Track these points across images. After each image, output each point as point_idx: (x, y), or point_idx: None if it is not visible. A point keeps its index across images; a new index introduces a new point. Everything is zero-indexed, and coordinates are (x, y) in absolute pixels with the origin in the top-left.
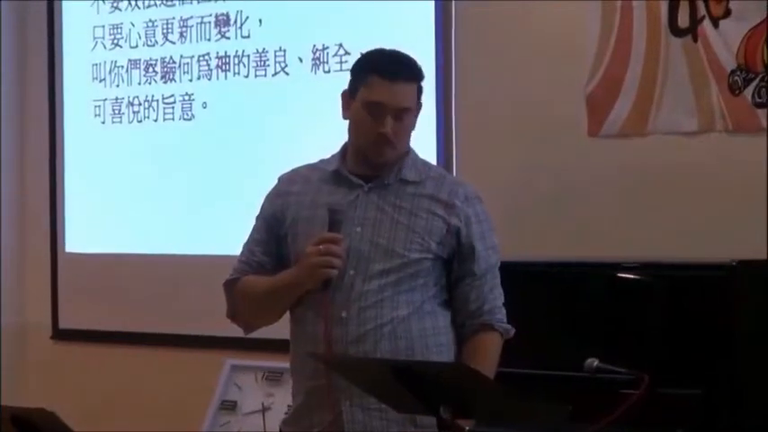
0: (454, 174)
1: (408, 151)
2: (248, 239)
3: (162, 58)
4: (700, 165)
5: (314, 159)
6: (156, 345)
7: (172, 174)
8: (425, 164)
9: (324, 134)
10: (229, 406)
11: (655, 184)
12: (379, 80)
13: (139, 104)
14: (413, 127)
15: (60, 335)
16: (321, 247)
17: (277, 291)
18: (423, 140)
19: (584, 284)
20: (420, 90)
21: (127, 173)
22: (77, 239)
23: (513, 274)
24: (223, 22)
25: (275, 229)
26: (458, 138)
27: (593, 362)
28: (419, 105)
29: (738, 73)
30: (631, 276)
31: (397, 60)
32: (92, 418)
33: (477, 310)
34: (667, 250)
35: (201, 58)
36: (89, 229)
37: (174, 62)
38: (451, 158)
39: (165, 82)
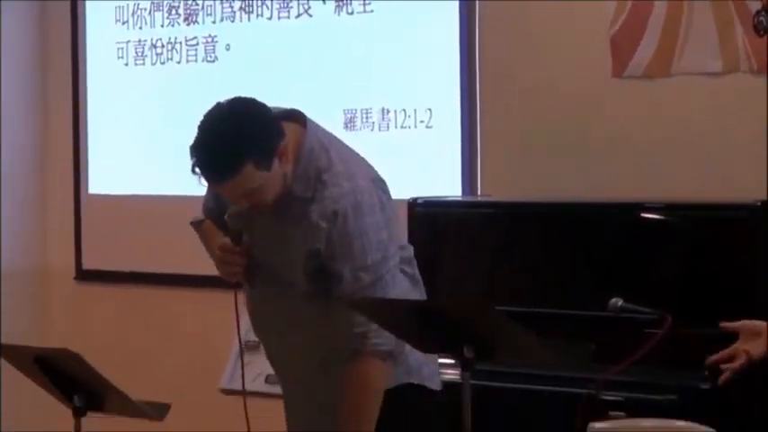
0: (478, 118)
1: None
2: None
3: (185, 0)
4: (724, 106)
5: (335, 100)
6: (179, 285)
7: (195, 115)
8: (317, 170)
9: (345, 75)
10: (253, 346)
11: (678, 124)
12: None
13: (162, 47)
14: (276, 177)
15: (83, 276)
16: (219, 255)
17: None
18: (446, 86)
19: (608, 225)
20: (259, 160)
21: (150, 115)
22: (100, 181)
23: (537, 216)
24: None
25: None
26: (481, 81)
27: (618, 302)
28: (269, 162)
29: (764, 14)
30: (654, 217)
31: (208, 164)
32: (115, 358)
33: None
34: (690, 191)
35: (225, 0)
36: (112, 171)
37: (197, 4)
38: (475, 103)
39: (188, 24)
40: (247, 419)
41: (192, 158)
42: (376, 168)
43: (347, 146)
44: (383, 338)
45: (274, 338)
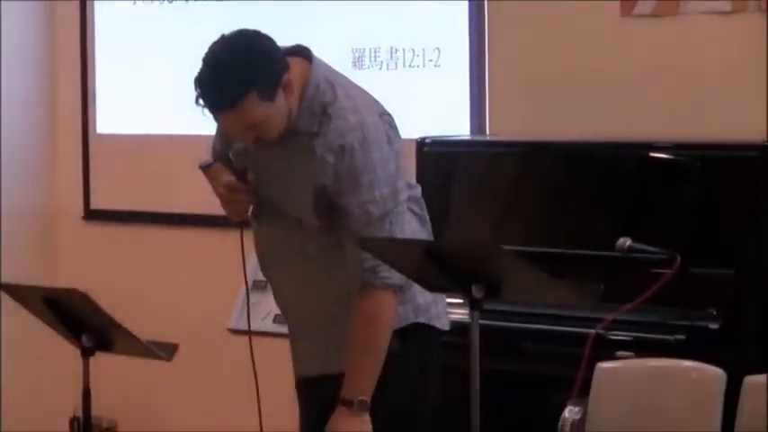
0: (486, 57)
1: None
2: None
3: None
4: (732, 45)
5: (343, 39)
6: (188, 225)
7: (203, 53)
8: (323, 105)
9: (354, 14)
10: (261, 285)
11: (686, 64)
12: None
13: None
14: (280, 111)
15: (92, 215)
16: (224, 193)
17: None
18: (454, 25)
19: (616, 165)
20: (262, 91)
21: (157, 53)
22: (108, 121)
23: (545, 155)
24: None
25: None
26: (490, 20)
27: (626, 241)
28: (272, 94)
29: None
30: (663, 156)
31: (211, 95)
32: (123, 298)
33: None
34: (699, 130)
35: None
36: (120, 111)
37: None
38: (483, 42)
39: None
40: (253, 359)
41: (195, 90)
42: (383, 105)
43: (353, 82)
44: (392, 272)
45: (282, 277)
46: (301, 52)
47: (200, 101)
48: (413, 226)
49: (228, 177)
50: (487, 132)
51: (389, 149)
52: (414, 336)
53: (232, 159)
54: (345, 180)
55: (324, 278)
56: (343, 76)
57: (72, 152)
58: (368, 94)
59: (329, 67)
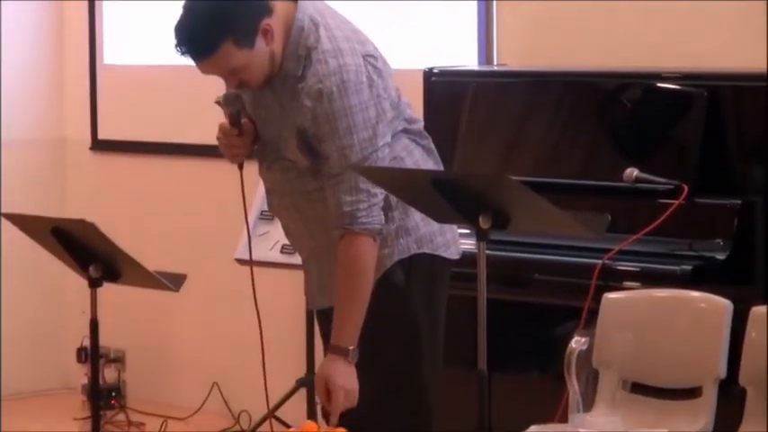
0: None
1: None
2: None
3: None
4: None
5: None
6: (195, 155)
7: None
8: (307, 48)
9: None
10: (268, 217)
11: None
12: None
13: None
14: (260, 56)
15: (99, 146)
16: (221, 138)
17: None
18: None
19: (625, 94)
20: (238, 38)
21: None
22: (115, 51)
23: (554, 85)
24: None
25: None
26: None
27: (633, 171)
28: (250, 40)
29: None
30: (670, 86)
31: (186, 44)
32: (130, 228)
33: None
34: (709, 59)
35: None
36: (127, 41)
37: None
38: None
39: None
40: (254, 289)
41: (175, 38)
42: (386, 38)
43: (342, 20)
44: (372, 217)
45: (286, 214)
46: None
47: (179, 48)
48: (416, 157)
49: (222, 121)
50: (495, 62)
51: (370, 93)
52: (418, 267)
53: (223, 104)
54: (324, 125)
55: (323, 214)
56: (332, 14)
57: (79, 83)
58: (356, 32)
59: (317, 4)
